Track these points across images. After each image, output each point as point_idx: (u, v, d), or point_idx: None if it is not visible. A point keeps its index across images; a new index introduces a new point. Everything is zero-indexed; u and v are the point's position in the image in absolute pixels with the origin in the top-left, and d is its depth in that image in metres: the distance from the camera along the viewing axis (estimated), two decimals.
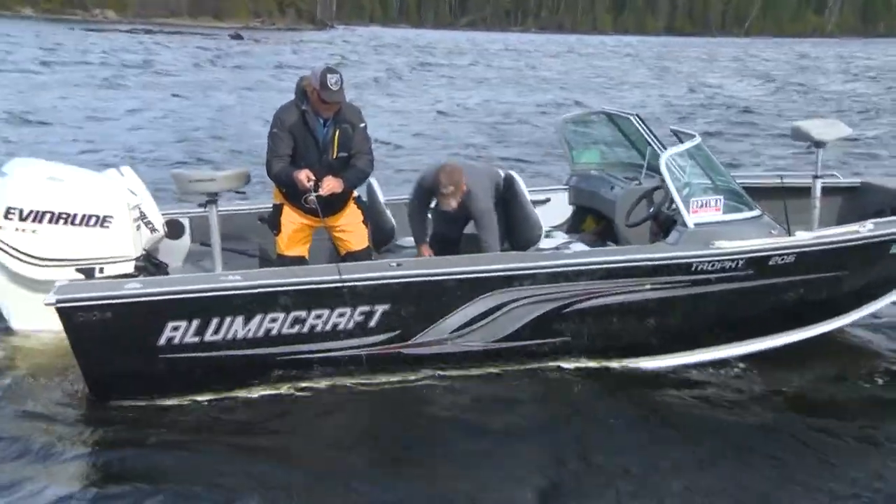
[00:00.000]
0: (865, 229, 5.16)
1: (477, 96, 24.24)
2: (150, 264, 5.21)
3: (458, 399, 4.72)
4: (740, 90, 29.29)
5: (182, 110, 18.67)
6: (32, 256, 4.66)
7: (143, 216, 5.21)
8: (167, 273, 5.35)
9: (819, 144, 5.88)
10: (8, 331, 5.04)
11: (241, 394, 4.64)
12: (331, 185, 4.69)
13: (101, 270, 4.78)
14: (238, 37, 57.56)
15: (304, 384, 4.69)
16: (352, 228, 5.15)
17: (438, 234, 5.54)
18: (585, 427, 4.51)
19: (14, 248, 4.63)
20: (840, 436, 4.56)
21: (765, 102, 24.67)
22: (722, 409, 4.82)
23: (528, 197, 5.34)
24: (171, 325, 4.43)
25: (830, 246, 5.12)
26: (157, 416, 4.48)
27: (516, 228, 5.42)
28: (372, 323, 4.64)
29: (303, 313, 4.53)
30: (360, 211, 5.19)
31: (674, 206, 5.09)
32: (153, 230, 5.29)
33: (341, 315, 4.59)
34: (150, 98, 20.91)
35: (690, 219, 4.95)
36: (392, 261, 4.92)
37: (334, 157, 4.83)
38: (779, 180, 5.65)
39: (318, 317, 4.55)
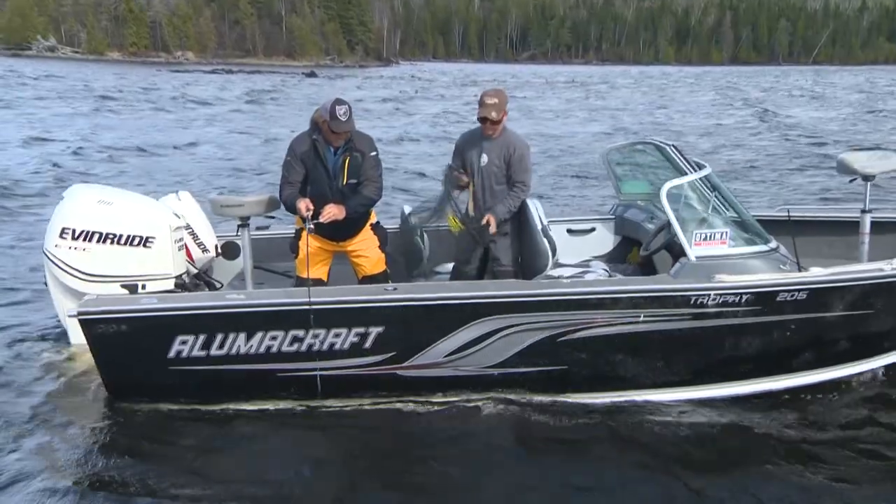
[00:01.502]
0: (891, 267, 4.84)
1: (532, 126, 24.50)
2: (201, 282, 5.47)
3: (451, 424, 4.73)
4: (804, 117, 28.62)
5: (245, 141, 19.50)
6: (83, 272, 4.93)
7: (195, 237, 5.56)
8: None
9: (867, 178, 5.58)
10: (65, 343, 5.40)
11: (245, 406, 4.80)
12: (331, 212, 4.82)
13: (144, 287, 5.01)
14: (313, 74, 60.07)
15: (303, 401, 4.81)
16: (367, 253, 5.23)
17: (457, 262, 5.50)
18: (575, 460, 4.42)
19: (67, 265, 4.91)
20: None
21: (830, 130, 23.93)
22: (724, 449, 4.55)
23: (540, 225, 5.21)
24: (179, 338, 4.64)
25: (849, 284, 4.82)
26: (165, 421, 4.71)
27: (524, 255, 5.34)
28: (367, 344, 4.71)
29: (301, 332, 4.64)
30: (376, 236, 5.26)
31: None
32: (205, 251, 5.63)
33: (337, 335, 4.68)
34: (219, 131, 22.00)
35: (693, 251, 4.80)
36: (389, 285, 4.99)
37: (344, 183, 4.95)
38: (785, 214, 5.33)
39: (316, 336, 4.66)
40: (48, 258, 4.97)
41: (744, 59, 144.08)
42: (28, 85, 36.59)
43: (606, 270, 5.56)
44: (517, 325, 4.72)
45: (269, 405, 4.81)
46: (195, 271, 5.49)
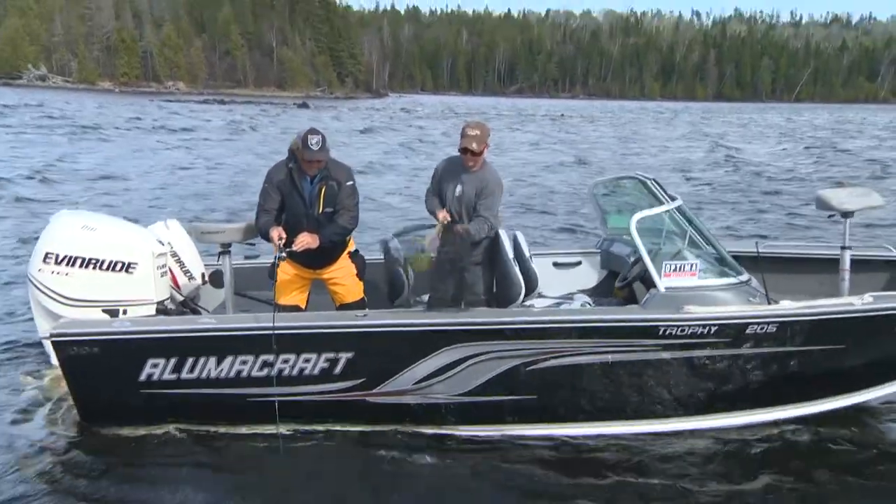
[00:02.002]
0: (861, 302, 4.82)
1: (512, 156, 24.98)
2: (187, 309, 5.52)
3: (421, 452, 4.72)
4: (770, 154, 28.87)
5: (232, 169, 19.66)
6: (65, 297, 4.90)
7: (181, 265, 5.60)
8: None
9: (846, 214, 5.56)
10: (49, 366, 5.34)
11: (215, 430, 4.85)
12: (304, 240, 4.80)
13: (125, 312, 4.99)
14: (305, 105, 60.37)
15: (273, 425, 4.75)
16: (344, 282, 5.24)
17: (432, 291, 5.43)
18: (542, 492, 4.41)
19: (50, 289, 4.90)
20: None
21: (803, 167, 24.01)
22: (694, 483, 4.51)
23: (512, 254, 5.20)
24: (150, 361, 4.68)
25: (818, 318, 4.79)
26: (137, 445, 4.76)
27: (497, 285, 5.32)
28: (336, 370, 4.73)
29: (270, 357, 4.66)
30: (353, 264, 5.28)
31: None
32: (191, 278, 5.67)
33: (307, 361, 4.71)
34: (210, 155, 22.48)
35: (662, 282, 4.80)
36: (359, 312, 4.99)
37: (320, 212, 4.95)
38: (754, 249, 5.34)
39: (286, 361, 4.70)
40: (31, 282, 4.95)
41: (727, 95, 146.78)
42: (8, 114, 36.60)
43: (589, 303, 5.55)
44: (485, 353, 4.73)
45: (241, 429, 4.84)
46: (181, 298, 5.53)
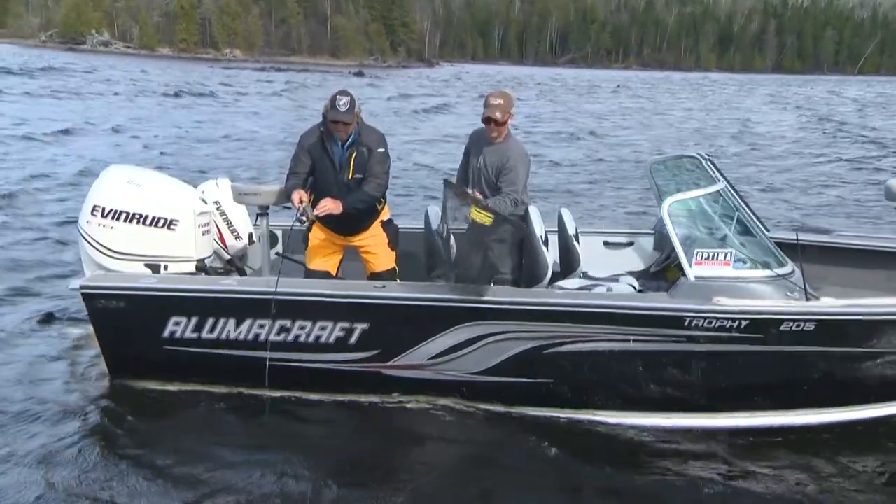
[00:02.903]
0: None
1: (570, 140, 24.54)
2: (233, 268, 5.61)
3: (431, 429, 4.69)
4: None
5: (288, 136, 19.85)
6: (110, 249, 5.00)
7: (229, 224, 5.67)
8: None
9: None
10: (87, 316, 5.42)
11: (235, 390, 4.89)
12: (326, 206, 4.77)
13: (166, 267, 5.06)
14: (360, 74, 60.57)
15: (290, 391, 4.85)
16: (375, 250, 5.18)
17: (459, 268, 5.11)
18: (549, 479, 4.32)
19: (96, 241, 5.00)
20: None
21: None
22: (704, 485, 4.30)
23: (540, 233, 4.97)
24: (173, 319, 4.74)
25: (863, 318, 4.43)
26: (159, 400, 4.87)
27: (524, 263, 5.14)
28: (352, 340, 4.69)
29: (287, 322, 4.66)
30: (385, 233, 5.19)
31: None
32: (238, 238, 5.73)
33: (323, 328, 4.67)
34: (267, 123, 22.83)
35: (692, 271, 4.53)
36: (379, 283, 4.94)
37: (350, 177, 4.89)
38: (794, 237, 4.96)
39: (302, 328, 4.68)
40: (80, 234, 5.08)
41: (787, 66, 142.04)
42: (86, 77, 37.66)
43: (634, 286, 5.14)
44: (500, 332, 4.59)
45: (259, 392, 4.82)
46: (227, 257, 5.61)
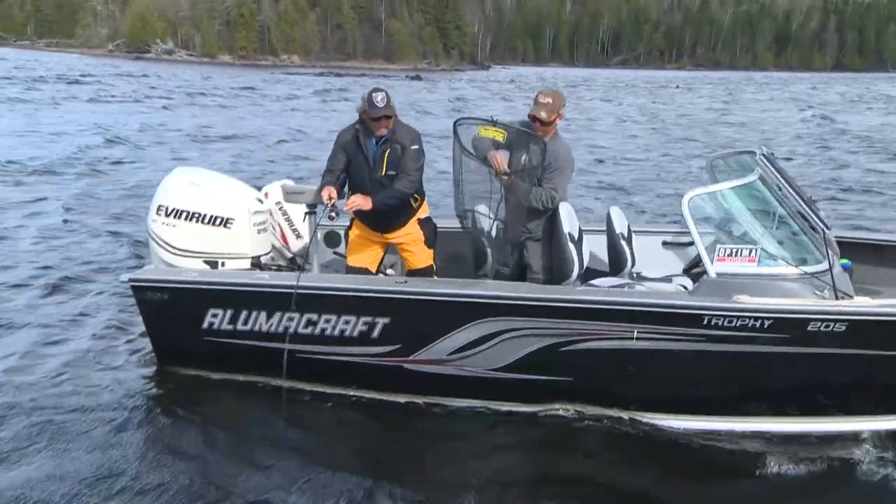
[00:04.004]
0: None
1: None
2: (294, 265, 5.76)
3: (450, 425, 4.75)
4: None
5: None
6: (173, 246, 5.24)
7: (290, 224, 5.84)
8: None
9: None
10: None
11: (268, 381, 5.02)
12: (355, 202, 4.89)
13: (223, 264, 5.28)
14: (417, 77, 61.43)
15: (316, 383, 4.99)
16: (412, 248, 5.23)
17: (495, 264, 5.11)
18: (563, 477, 4.29)
19: (161, 239, 5.25)
20: None
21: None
22: (728, 486, 4.25)
23: (569, 231, 4.86)
24: (211, 311, 4.94)
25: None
26: (201, 388, 5.08)
27: (552, 260, 5.07)
28: (374, 334, 4.76)
29: (314, 316, 4.78)
30: (422, 231, 5.22)
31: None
32: (299, 237, 5.93)
33: (347, 322, 4.76)
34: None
35: (714, 267, 4.35)
36: (400, 277, 5.01)
37: (383, 174, 4.94)
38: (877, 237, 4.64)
39: (328, 321, 4.79)
40: (148, 232, 5.35)
41: (848, 64, 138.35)
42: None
43: (686, 287, 4.91)
44: (517, 329, 4.55)
45: (291, 383, 4.92)
46: (290, 255, 5.81)
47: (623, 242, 5.04)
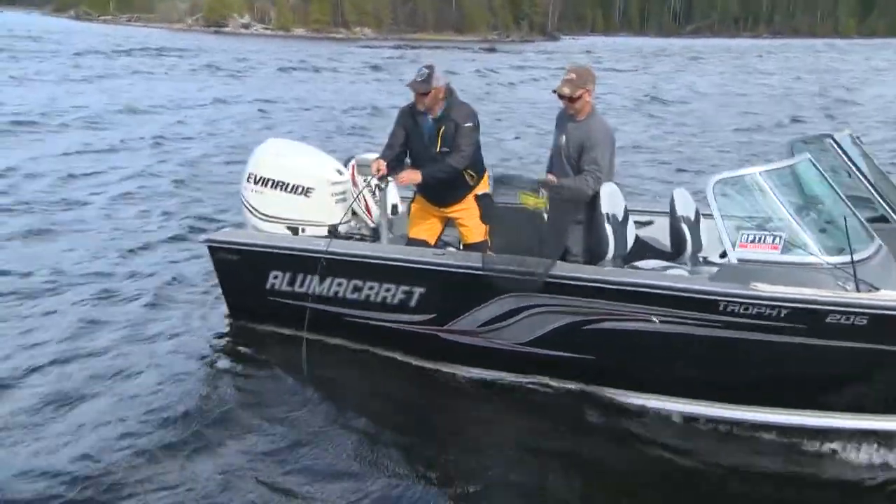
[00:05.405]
0: None
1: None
2: (376, 235, 6.02)
3: (481, 393, 4.96)
4: None
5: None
6: (260, 212, 5.65)
7: (374, 196, 5.95)
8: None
9: None
10: None
11: (323, 339, 5.41)
12: (407, 176, 5.17)
13: (303, 230, 5.63)
14: (492, 49, 61.37)
15: (364, 346, 5.37)
16: (467, 222, 5.39)
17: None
18: (580, 455, 4.41)
19: (251, 204, 5.69)
20: None
21: None
22: (733, 476, 4.29)
23: (607, 212, 4.82)
24: (272, 273, 5.35)
25: None
26: (267, 342, 5.55)
27: (591, 241, 5.03)
28: (412, 303, 5.01)
29: (359, 282, 5.09)
30: (477, 206, 5.35)
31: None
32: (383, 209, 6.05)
33: (388, 290, 5.03)
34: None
35: (735, 253, 4.26)
36: (439, 249, 5.19)
37: (438, 151, 5.15)
38: None
39: (371, 288, 5.07)
40: (241, 197, 5.81)
41: None
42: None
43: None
44: (541, 305, 4.66)
45: (341, 342, 5.40)
46: (373, 226, 6.05)
47: (684, 226, 4.98)
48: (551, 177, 4.95)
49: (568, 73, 5.00)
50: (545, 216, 4.94)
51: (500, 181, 5.35)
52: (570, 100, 4.95)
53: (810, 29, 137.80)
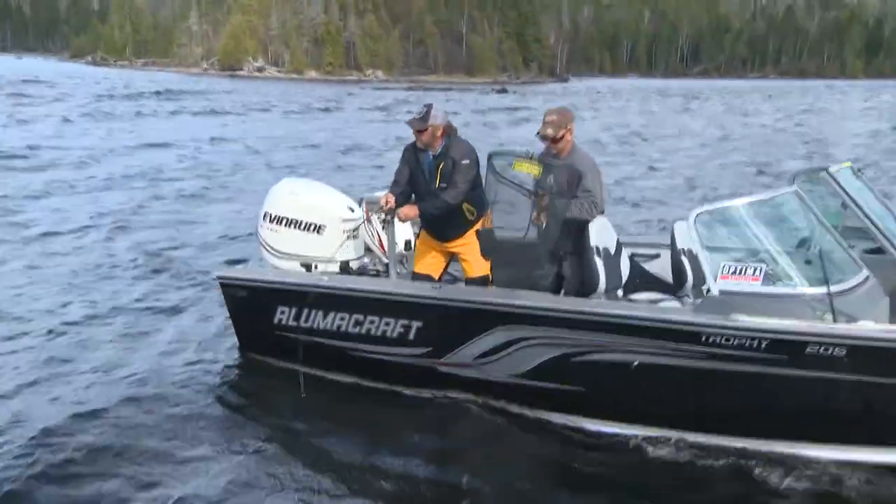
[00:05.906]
0: None
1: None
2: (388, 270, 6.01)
3: (477, 426, 4.96)
4: None
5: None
6: (275, 250, 5.74)
7: (383, 226, 5.90)
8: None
9: None
10: None
11: (328, 375, 5.45)
12: (405, 211, 5.26)
13: (316, 266, 5.69)
14: (503, 91, 61.86)
15: (363, 380, 5.38)
16: (468, 257, 5.44)
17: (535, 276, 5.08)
18: (562, 486, 4.41)
19: (267, 243, 5.77)
20: None
21: None
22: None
23: (597, 245, 4.91)
24: (279, 308, 5.39)
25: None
26: (276, 376, 5.53)
27: (579, 273, 5.10)
28: (410, 336, 5.07)
29: (360, 316, 5.15)
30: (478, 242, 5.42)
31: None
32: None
33: (387, 324, 5.09)
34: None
35: (717, 284, 4.28)
36: (435, 284, 5.27)
37: (436, 187, 5.24)
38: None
39: (372, 322, 5.13)
40: (257, 236, 5.89)
41: None
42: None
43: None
44: (532, 337, 4.71)
45: (343, 378, 5.42)
46: (386, 261, 6.01)
47: (684, 259, 4.96)
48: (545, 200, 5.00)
49: (548, 115, 5.14)
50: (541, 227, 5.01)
51: (495, 154, 5.29)
52: (554, 140, 5.12)
53: (818, 70, 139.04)
